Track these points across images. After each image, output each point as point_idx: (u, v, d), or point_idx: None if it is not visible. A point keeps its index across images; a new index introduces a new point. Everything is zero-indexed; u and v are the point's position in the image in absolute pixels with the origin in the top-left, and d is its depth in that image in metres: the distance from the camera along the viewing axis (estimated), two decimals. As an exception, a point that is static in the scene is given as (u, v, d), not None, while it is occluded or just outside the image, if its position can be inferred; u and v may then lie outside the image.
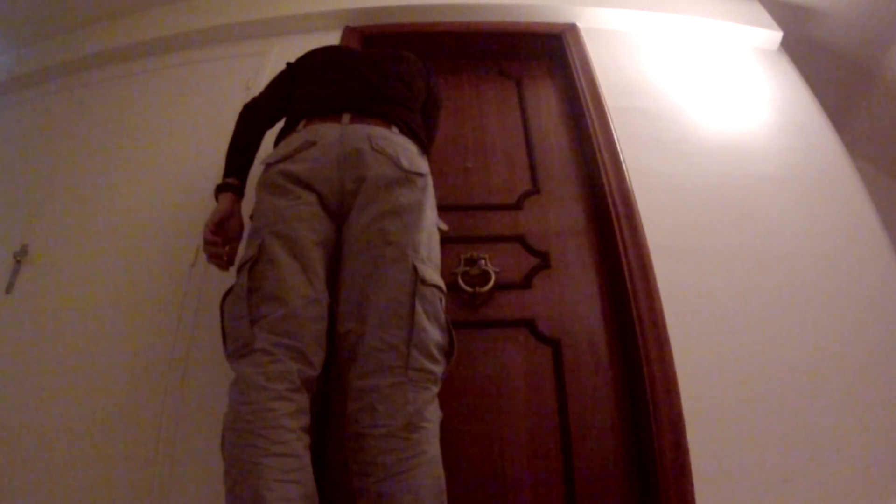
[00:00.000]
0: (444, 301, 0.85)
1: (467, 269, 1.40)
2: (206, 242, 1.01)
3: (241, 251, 0.91)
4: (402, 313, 0.76)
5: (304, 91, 1.08)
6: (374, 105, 0.99)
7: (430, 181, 0.97)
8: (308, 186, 0.87)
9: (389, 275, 0.79)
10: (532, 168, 1.66)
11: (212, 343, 1.29)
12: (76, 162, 1.76)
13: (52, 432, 1.23)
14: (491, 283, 1.35)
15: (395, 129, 0.97)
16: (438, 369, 0.77)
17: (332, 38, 1.86)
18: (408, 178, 0.88)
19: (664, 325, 1.24)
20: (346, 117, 0.95)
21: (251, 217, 0.98)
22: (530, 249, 1.49)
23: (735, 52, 1.92)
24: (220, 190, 1.09)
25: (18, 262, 1.52)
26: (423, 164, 0.96)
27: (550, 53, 1.93)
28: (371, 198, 0.85)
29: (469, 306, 1.38)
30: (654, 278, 1.31)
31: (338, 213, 0.88)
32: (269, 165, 0.93)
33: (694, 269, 1.36)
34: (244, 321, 0.76)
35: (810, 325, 1.31)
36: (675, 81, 1.77)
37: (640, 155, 1.54)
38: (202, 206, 1.51)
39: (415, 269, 0.80)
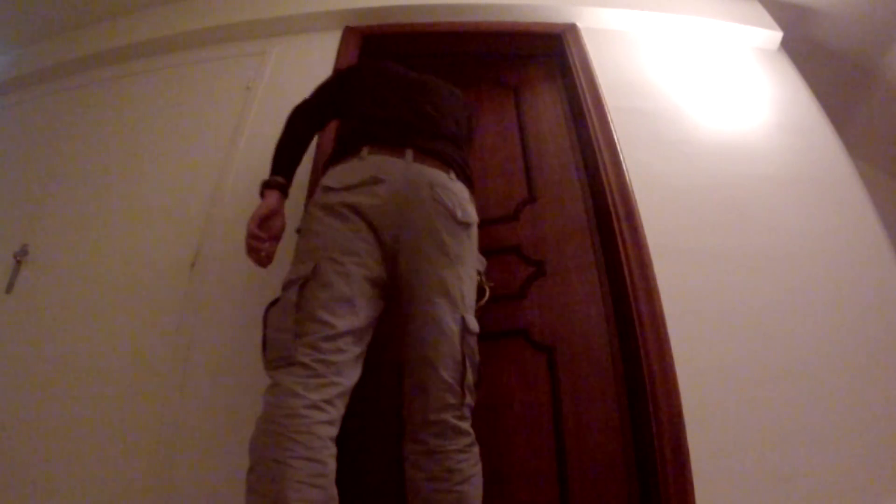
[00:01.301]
0: (477, 337, 0.96)
1: None
2: (250, 236, 1.02)
3: (293, 266, 0.93)
4: (456, 359, 0.89)
5: (364, 110, 1.09)
6: (434, 143, 1.02)
7: (476, 227, 1.03)
8: (369, 222, 0.91)
9: (445, 325, 0.90)
10: (528, 177, 1.67)
11: (212, 343, 1.29)
12: (76, 162, 1.76)
13: (52, 432, 1.24)
14: (485, 299, 1.32)
15: (452, 175, 1.01)
16: (474, 399, 0.93)
17: (332, 38, 1.86)
18: (466, 230, 0.96)
19: (664, 325, 1.24)
20: (409, 154, 0.97)
21: (298, 230, 0.99)
22: (526, 259, 1.50)
23: (735, 52, 1.92)
24: (266, 186, 1.10)
25: (18, 262, 1.52)
26: (473, 212, 1.02)
27: (550, 53, 1.93)
28: (429, 248, 0.92)
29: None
30: (654, 278, 1.31)
31: (391, 250, 0.92)
32: (331, 190, 0.94)
33: (694, 270, 1.36)
34: (288, 334, 0.81)
35: (810, 324, 1.31)
36: (675, 81, 1.77)
37: (640, 155, 1.54)
38: (202, 205, 1.51)
39: (463, 321, 0.91)
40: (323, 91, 1.24)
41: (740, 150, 1.60)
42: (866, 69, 2.16)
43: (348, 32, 1.88)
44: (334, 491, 0.76)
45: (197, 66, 1.92)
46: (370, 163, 0.95)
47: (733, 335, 1.27)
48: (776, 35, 1.92)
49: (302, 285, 0.85)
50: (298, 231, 0.99)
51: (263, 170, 1.55)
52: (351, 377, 0.84)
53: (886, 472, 1.13)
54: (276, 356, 0.81)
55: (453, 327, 0.90)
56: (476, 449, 0.90)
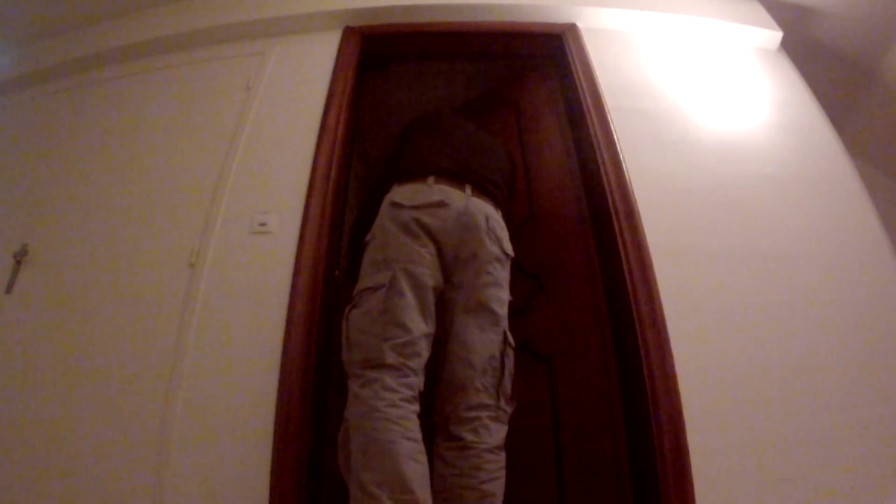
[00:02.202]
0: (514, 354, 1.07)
1: None
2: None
3: (369, 274, 1.03)
4: (495, 366, 0.99)
5: (431, 145, 1.21)
6: (488, 185, 1.17)
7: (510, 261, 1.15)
8: (435, 239, 1.03)
9: (489, 336, 1.01)
10: (529, 192, 1.68)
11: (212, 343, 1.29)
12: (76, 161, 1.76)
13: (52, 432, 1.24)
14: None
15: (499, 213, 1.16)
16: (511, 410, 1.01)
17: (332, 38, 1.86)
18: (507, 258, 1.11)
19: (664, 325, 1.24)
20: (468, 188, 1.11)
21: (366, 241, 1.08)
22: (528, 273, 1.52)
23: (735, 52, 1.92)
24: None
25: (18, 262, 1.52)
26: (511, 248, 1.17)
27: (550, 53, 1.93)
28: (480, 268, 1.04)
29: None
30: (654, 278, 1.31)
31: (449, 265, 1.04)
32: (402, 207, 1.05)
33: (694, 269, 1.36)
34: (377, 339, 0.93)
35: (810, 324, 1.31)
36: (675, 81, 1.77)
37: (640, 155, 1.54)
38: (202, 205, 1.51)
39: (505, 335, 1.05)
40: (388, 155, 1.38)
41: (740, 150, 1.60)
42: (866, 69, 2.15)
43: (348, 32, 1.88)
44: (427, 465, 0.90)
45: (197, 66, 1.92)
46: (436, 189, 1.08)
47: (733, 335, 1.27)
48: (776, 35, 1.92)
49: (386, 296, 0.95)
50: (366, 242, 1.08)
51: (263, 169, 1.56)
52: (422, 376, 0.96)
53: (886, 472, 1.13)
54: (366, 356, 0.92)
55: (494, 338, 1.02)
56: (504, 455, 0.96)
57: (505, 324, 1.06)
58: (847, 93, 2.25)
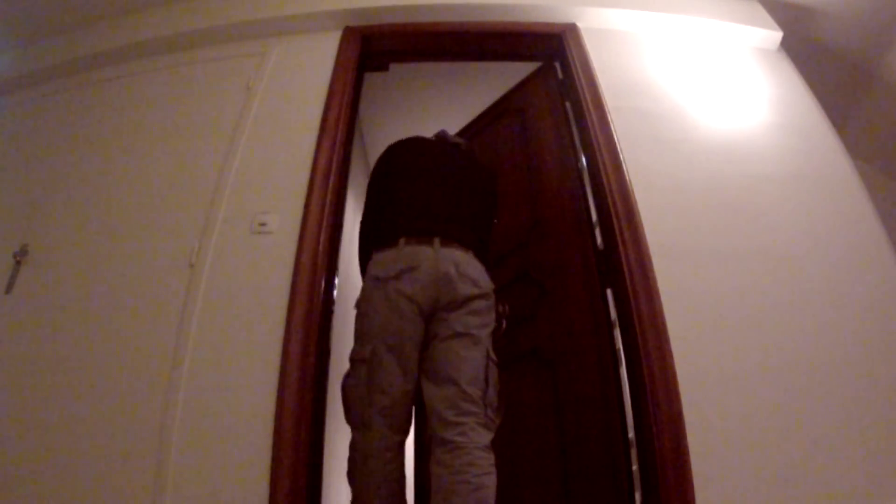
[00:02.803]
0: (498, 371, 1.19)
1: None
2: None
3: (356, 344, 1.19)
4: (479, 378, 1.11)
5: (399, 204, 1.32)
6: (456, 232, 1.26)
7: (492, 292, 1.26)
8: (413, 300, 1.15)
9: (471, 354, 1.13)
10: (534, 198, 1.70)
11: (212, 343, 1.29)
12: (76, 162, 1.76)
13: (52, 432, 1.23)
14: (503, 328, 1.46)
15: (471, 254, 1.24)
16: (497, 420, 1.12)
17: (332, 38, 1.86)
18: (483, 294, 1.21)
19: (664, 325, 1.24)
20: (436, 241, 1.21)
21: (356, 306, 1.22)
22: (534, 281, 1.55)
23: (735, 53, 1.92)
24: None
25: (18, 262, 1.52)
26: (488, 282, 1.26)
27: (550, 54, 1.93)
28: (458, 307, 1.17)
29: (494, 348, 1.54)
30: (654, 278, 1.31)
31: (429, 314, 1.18)
32: (379, 279, 1.18)
33: (694, 269, 1.36)
34: (364, 404, 1.11)
35: (810, 324, 1.31)
36: (675, 81, 1.77)
37: (641, 155, 1.54)
38: (202, 205, 1.51)
39: (487, 352, 1.16)
40: (370, 197, 1.44)
41: (740, 150, 1.60)
42: (866, 69, 2.16)
43: (348, 32, 1.88)
44: (404, 497, 1.11)
45: (197, 66, 1.92)
46: (406, 252, 1.20)
47: (733, 335, 1.27)
48: (776, 35, 1.93)
49: (368, 366, 1.13)
50: (357, 307, 1.22)
51: (263, 169, 1.56)
52: (407, 425, 1.15)
53: (886, 472, 1.13)
54: (358, 420, 1.12)
55: (477, 355, 1.14)
56: (493, 457, 1.05)
57: (487, 343, 1.18)
58: (847, 93, 2.25)
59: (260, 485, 1.09)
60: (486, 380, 1.11)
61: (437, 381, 1.11)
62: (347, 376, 1.17)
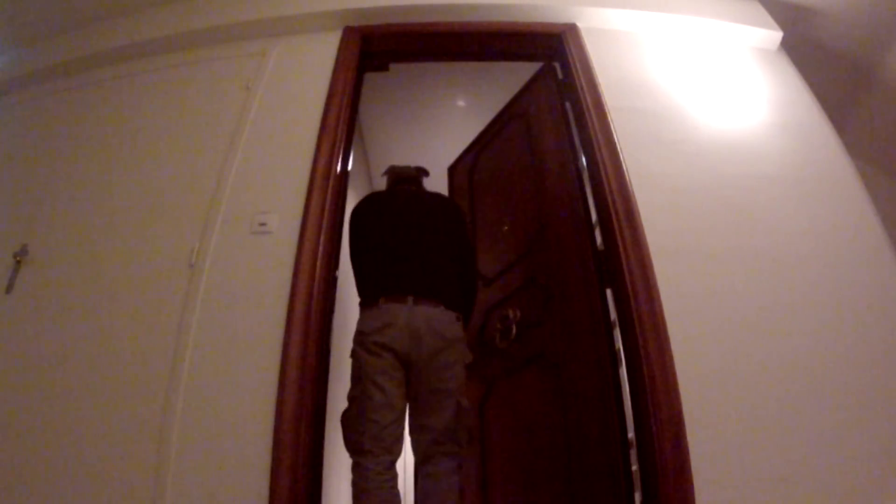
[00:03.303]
0: (469, 409, 1.43)
1: (500, 327, 1.63)
2: None
3: (352, 385, 1.37)
4: (450, 428, 1.36)
5: (377, 266, 1.51)
6: (428, 286, 1.46)
7: (462, 338, 1.46)
8: (391, 350, 1.36)
9: (446, 406, 1.37)
10: (539, 202, 1.72)
11: (212, 343, 1.29)
12: (76, 162, 1.76)
13: (52, 432, 1.24)
14: (513, 334, 1.59)
15: (442, 307, 1.43)
16: (466, 445, 1.40)
17: (332, 38, 1.86)
18: (448, 344, 1.40)
19: (664, 326, 1.24)
20: (409, 300, 1.41)
21: (351, 354, 1.41)
22: (540, 286, 1.56)
23: (735, 53, 1.92)
24: None
25: (18, 262, 1.52)
26: (458, 330, 1.46)
27: (550, 54, 1.93)
28: (431, 360, 1.38)
29: (505, 355, 1.62)
30: (654, 278, 1.31)
31: (406, 362, 1.38)
32: (364, 334, 1.39)
33: (694, 270, 1.36)
34: (358, 433, 1.30)
35: (810, 324, 1.31)
36: (675, 81, 1.77)
37: (640, 155, 1.54)
38: (202, 205, 1.51)
39: (458, 403, 1.38)
40: (352, 256, 1.62)
41: (740, 150, 1.60)
42: (866, 69, 2.16)
43: (348, 32, 1.88)
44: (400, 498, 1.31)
45: (197, 66, 1.92)
46: (384, 310, 1.40)
47: (733, 335, 1.27)
48: (776, 35, 1.93)
49: (359, 402, 1.33)
50: (350, 356, 1.41)
51: (263, 169, 1.56)
52: (397, 447, 1.34)
53: (887, 472, 1.13)
54: (355, 447, 1.31)
55: (448, 405, 1.37)
56: (457, 477, 1.34)
57: (459, 391, 1.40)
58: (847, 93, 2.25)
59: (260, 485, 1.09)
60: (456, 427, 1.37)
61: (419, 429, 1.39)
62: (345, 411, 1.38)
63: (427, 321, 1.40)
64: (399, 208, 1.64)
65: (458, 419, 1.38)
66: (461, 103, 2.83)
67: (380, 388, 1.34)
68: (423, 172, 1.83)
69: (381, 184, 3.38)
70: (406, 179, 1.77)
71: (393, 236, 1.57)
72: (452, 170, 2.36)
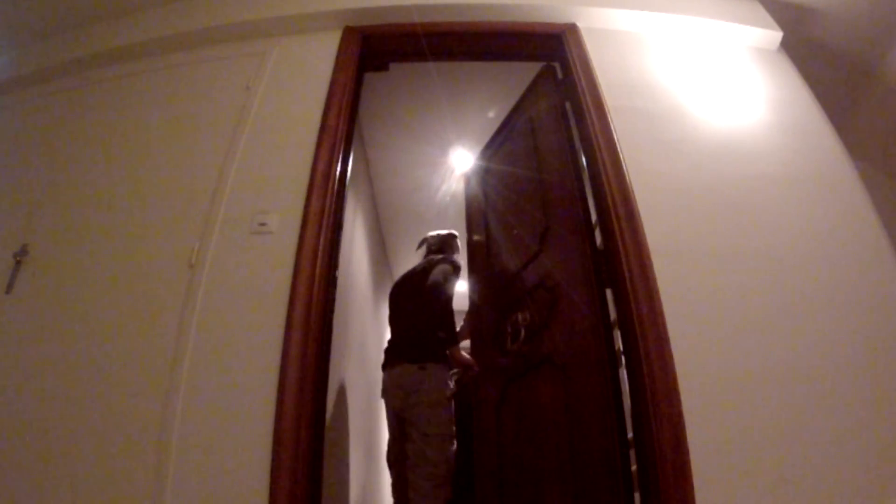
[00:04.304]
0: (449, 445, 1.91)
1: (510, 331, 1.68)
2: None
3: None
4: (430, 463, 1.83)
5: (392, 330, 2.21)
6: (404, 351, 2.02)
7: (426, 381, 1.91)
8: (388, 403, 2.03)
9: (431, 448, 1.83)
10: (544, 204, 1.72)
11: (212, 343, 1.29)
12: (76, 162, 1.76)
13: (52, 432, 1.24)
14: (521, 337, 1.64)
15: (412, 366, 1.93)
16: (446, 475, 1.85)
17: (332, 38, 1.86)
18: (410, 392, 1.91)
19: (664, 326, 1.24)
20: (390, 367, 2.03)
21: (382, 393, 2.10)
22: (546, 288, 1.57)
23: (735, 53, 1.92)
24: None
25: (18, 262, 1.52)
26: (422, 377, 1.92)
27: (550, 54, 1.93)
28: (408, 410, 1.92)
29: (517, 358, 1.66)
30: (654, 278, 1.31)
31: (399, 414, 1.97)
32: (382, 391, 2.08)
33: (694, 270, 1.36)
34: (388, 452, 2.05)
35: (810, 324, 1.31)
36: (675, 81, 1.77)
37: (640, 155, 1.54)
38: (202, 205, 1.51)
39: (441, 441, 1.85)
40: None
41: (740, 150, 1.60)
42: (866, 69, 2.16)
43: (348, 32, 1.88)
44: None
45: (197, 66, 1.92)
46: (384, 376, 2.06)
47: (733, 335, 1.27)
48: (776, 35, 1.92)
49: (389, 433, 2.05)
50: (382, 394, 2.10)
51: (263, 169, 1.56)
52: (401, 456, 1.93)
53: (887, 472, 1.13)
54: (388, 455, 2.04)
55: (435, 444, 1.83)
56: (440, 490, 1.80)
57: (426, 425, 1.85)
58: (847, 93, 2.25)
59: (260, 485, 1.09)
60: (437, 461, 1.79)
61: (410, 465, 1.85)
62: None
63: (398, 379, 1.95)
64: (400, 288, 2.26)
65: (440, 456, 1.80)
66: (461, 103, 2.83)
67: (390, 427, 2.06)
68: (446, 242, 2.34)
69: (381, 184, 3.39)
70: (430, 251, 2.33)
71: (392, 315, 2.21)
72: (467, 177, 2.40)
